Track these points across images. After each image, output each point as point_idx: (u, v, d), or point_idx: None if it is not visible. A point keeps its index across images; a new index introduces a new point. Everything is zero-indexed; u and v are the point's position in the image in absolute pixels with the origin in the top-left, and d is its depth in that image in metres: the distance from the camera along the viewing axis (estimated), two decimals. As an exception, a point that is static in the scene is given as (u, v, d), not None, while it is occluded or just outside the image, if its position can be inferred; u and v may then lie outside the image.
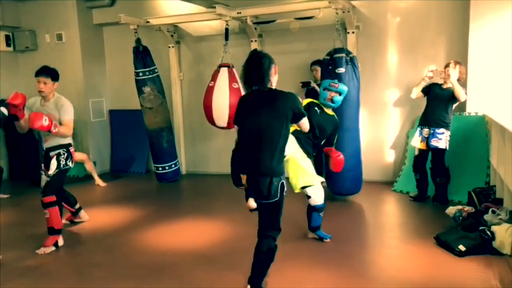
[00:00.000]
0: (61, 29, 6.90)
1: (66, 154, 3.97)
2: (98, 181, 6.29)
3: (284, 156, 2.79)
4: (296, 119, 2.75)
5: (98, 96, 7.14)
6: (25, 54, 7.15)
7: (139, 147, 7.07)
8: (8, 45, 7.01)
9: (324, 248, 3.72)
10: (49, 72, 3.90)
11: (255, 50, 2.83)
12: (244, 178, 2.79)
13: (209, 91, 5.32)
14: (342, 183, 4.93)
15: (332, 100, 3.87)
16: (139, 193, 5.93)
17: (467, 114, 5.09)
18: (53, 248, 3.90)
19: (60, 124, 3.81)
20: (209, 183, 6.36)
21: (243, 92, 5.23)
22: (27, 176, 6.61)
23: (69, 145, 4.04)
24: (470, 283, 2.99)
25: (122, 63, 6.90)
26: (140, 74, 5.99)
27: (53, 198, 3.88)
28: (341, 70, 4.65)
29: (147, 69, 6.00)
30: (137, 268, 3.46)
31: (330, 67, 4.71)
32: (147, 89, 6.01)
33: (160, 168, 6.24)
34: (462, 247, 3.37)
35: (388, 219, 4.73)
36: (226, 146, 6.73)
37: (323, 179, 3.81)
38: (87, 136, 6.99)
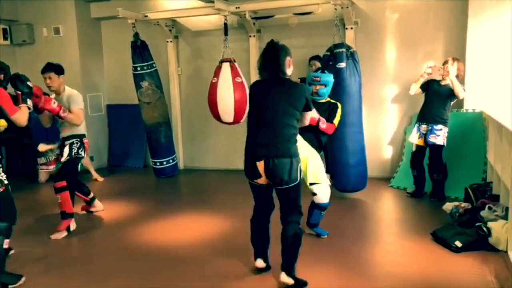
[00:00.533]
0: (59, 23, 6.86)
1: (78, 144, 4.20)
2: (96, 175, 6.29)
3: (295, 138, 2.83)
4: (306, 109, 2.88)
5: (95, 91, 7.12)
6: (22, 47, 7.10)
7: (136, 142, 7.06)
8: (5, 38, 6.95)
9: (321, 244, 3.74)
10: (52, 68, 4.09)
11: (272, 40, 2.91)
12: (261, 166, 2.76)
13: (213, 87, 5.31)
14: (347, 180, 4.90)
15: (317, 93, 3.83)
16: (137, 188, 5.93)
17: (464, 111, 5.10)
18: (66, 233, 4.07)
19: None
20: (206, 179, 6.36)
21: (246, 86, 5.29)
22: (23, 171, 6.59)
23: (83, 135, 4.26)
24: (466, 279, 3.01)
25: (120, 58, 6.87)
26: (138, 68, 5.97)
27: (63, 183, 4.09)
28: (342, 65, 4.65)
29: (145, 63, 5.98)
30: (134, 261, 3.47)
31: (330, 63, 4.71)
32: (145, 84, 6.00)
33: (157, 163, 6.24)
34: (458, 243, 3.39)
35: (385, 215, 4.75)
36: (224, 141, 6.76)
37: (330, 182, 3.81)
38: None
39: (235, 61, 5.27)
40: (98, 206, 4.81)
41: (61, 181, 4.10)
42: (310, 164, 3.51)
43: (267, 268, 3.12)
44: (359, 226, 4.26)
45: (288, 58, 2.86)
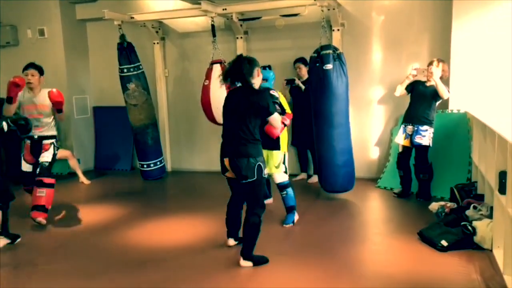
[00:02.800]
0: (43, 24, 6.78)
1: (57, 144, 4.56)
2: (82, 178, 6.22)
3: (260, 141, 3.22)
4: (266, 114, 3.20)
5: (81, 93, 7.04)
6: (6, 49, 6.99)
7: (123, 144, 7.01)
8: (-12, 40, 6.86)
9: (308, 243, 3.75)
10: (36, 66, 4.40)
11: (240, 55, 3.37)
12: (226, 162, 3.27)
13: (206, 89, 5.30)
14: (335, 180, 4.92)
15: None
16: (124, 190, 5.88)
17: (449, 112, 5.17)
18: (44, 222, 4.35)
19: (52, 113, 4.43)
20: (194, 180, 6.33)
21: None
22: (8, 174, 6.48)
23: (56, 136, 4.60)
24: (452, 277, 3.04)
25: (106, 60, 6.81)
26: (125, 70, 5.93)
27: (53, 180, 4.42)
28: (329, 66, 4.67)
29: (132, 65, 5.95)
30: (121, 263, 3.44)
31: (317, 64, 4.73)
32: (131, 86, 5.96)
33: (145, 166, 6.20)
34: (444, 242, 3.42)
35: (372, 215, 4.78)
36: (212, 143, 6.72)
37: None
38: (71, 133, 6.89)
39: (225, 62, 5.27)
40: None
41: (50, 177, 4.40)
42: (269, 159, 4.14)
43: (241, 242, 3.47)
44: (347, 226, 4.28)
45: (256, 68, 3.21)
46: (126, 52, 5.91)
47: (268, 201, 4.42)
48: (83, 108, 7.07)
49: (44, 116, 4.38)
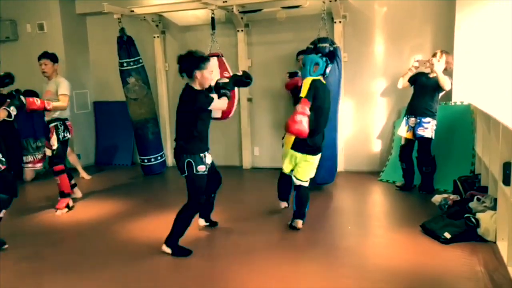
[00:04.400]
0: (43, 19, 6.73)
1: (62, 127, 4.69)
2: (83, 173, 6.19)
3: (195, 137, 3.30)
4: (198, 110, 3.28)
5: (81, 88, 7.00)
6: (6, 44, 6.94)
7: (124, 139, 6.98)
8: (-13, 35, 6.82)
9: (310, 237, 3.71)
10: (48, 55, 4.69)
11: (188, 51, 3.40)
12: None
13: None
14: (317, 172, 4.88)
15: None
16: (125, 185, 5.85)
17: (453, 104, 5.11)
18: (66, 210, 4.63)
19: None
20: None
21: None
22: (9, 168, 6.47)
23: (66, 119, 4.76)
24: (455, 269, 3.00)
25: (106, 54, 6.76)
26: (125, 64, 5.89)
27: (61, 167, 4.65)
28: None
29: (132, 59, 5.91)
30: (121, 257, 3.42)
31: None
32: (131, 80, 5.92)
33: (145, 160, 6.17)
34: (447, 235, 3.38)
35: (374, 208, 4.74)
36: (212, 137, 6.65)
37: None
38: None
39: (222, 56, 5.22)
40: (77, 193, 5.19)
41: (58, 164, 4.64)
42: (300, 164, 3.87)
43: (212, 225, 3.96)
44: (349, 220, 4.25)
45: (197, 71, 3.28)
46: (126, 46, 5.87)
47: (283, 204, 4.29)
48: (83, 103, 7.03)
49: (52, 100, 4.51)
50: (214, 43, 5.41)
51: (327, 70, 3.87)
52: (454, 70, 4.98)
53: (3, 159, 3.58)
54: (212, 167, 3.55)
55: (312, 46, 4.74)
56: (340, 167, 5.82)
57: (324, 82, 3.85)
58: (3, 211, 3.57)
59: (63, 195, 4.68)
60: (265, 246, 3.34)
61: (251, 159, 6.44)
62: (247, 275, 3.06)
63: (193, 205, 3.38)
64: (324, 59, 3.84)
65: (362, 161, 5.82)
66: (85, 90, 7.07)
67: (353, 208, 4.65)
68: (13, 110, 3.67)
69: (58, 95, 4.58)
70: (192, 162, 3.28)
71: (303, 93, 3.69)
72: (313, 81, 3.71)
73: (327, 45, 4.64)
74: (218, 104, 3.41)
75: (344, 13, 5.59)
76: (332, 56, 4.34)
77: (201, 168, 3.31)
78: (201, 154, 3.32)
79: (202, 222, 3.92)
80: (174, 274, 3.17)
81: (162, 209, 4.63)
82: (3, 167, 3.54)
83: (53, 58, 4.73)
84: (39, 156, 6.24)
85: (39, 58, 4.69)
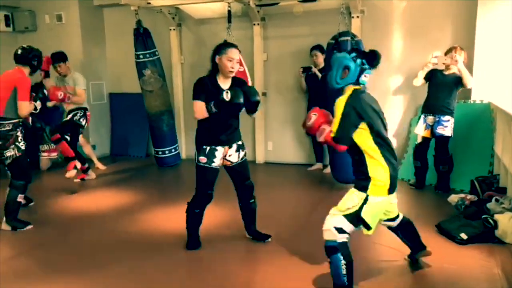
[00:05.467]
0: (61, 10, 6.78)
1: (81, 113, 5.25)
2: (98, 164, 6.25)
3: (203, 128, 3.27)
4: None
5: (98, 79, 7.06)
6: (25, 34, 7.03)
7: (139, 130, 7.02)
8: (7, 25, 6.89)
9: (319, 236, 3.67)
10: (60, 58, 5.16)
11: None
12: None
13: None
14: (347, 171, 4.83)
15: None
16: (139, 177, 5.90)
17: (472, 102, 5.01)
18: (75, 171, 5.08)
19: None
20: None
21: (248, 75, 5.22)
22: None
23: (86, 108, 5.33)
24: (472, 271, 2.95)
25: (122, 46, 6.80)
26: (141, 56, 5.90)
27: (57, 136, 5.02)
28: (346, 53, 4.55)
29: (148, 51, 5.91)
30: (134, 249, 3.44)
31: (335, 51, 4.61)
32: (147, 72, 5.93)
33: (160, 152, 6.19)
34: (464, 236, 3.32)
35: (389, 206, 4.68)
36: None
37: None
38: (87, 119, 6.92)
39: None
40: (92, 175, 5.65)
41: (54, 134, 5.06)
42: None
43: (257, 238, 3.54)
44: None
45: (217, 56, 3.18)
46: (142, 38, 5.87)
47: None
48: (99, 94, 7.09)
49: (71, 95, 5.12)
50: (229, 36, 5.38)
51: (364, 78, 2.66)
52: (474, 68, 4.87)
53: (22, 147, 3.80)
54: (240, 171, 3.39)
55: (333, 41, 4.67)
56: (355, 164, 5.77)
57: (365, 93, 2.68)
58: (20, 195, 3.84)
59: (68, 159, 5.07)
60: (268, 252, 3.32)
61: (264, 153, 6.42)
62: (263, 272, 3.05)
63: (196, 196, 3.34)
64: (358, 61, 2.64)
65: (377, 158, 5.74)
66: (101, 82, 7.12)
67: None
68: (38, 104, 3.97)
69: (76, 90, 5.14)
70: (196, 152, 3.28)
71: (334, 126, 2.56)
72: (348, 102, 2.54)
73: (348, 38, 4.58)
74: (194, 106, 3.15)
75: (362, 7, 5.50)
76: (373, 57, 2.71)
77: (202, 160, 3.23)
78: (205, 146, 3.22)
79: (246, 234, 3.61)
80: (186, 267, 3.17)
81: (176, 201, 4.63)
82: (18, 154, 3.77)
83: (65, 58, 5.20)
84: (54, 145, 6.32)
85: (53, 62, 5.10)
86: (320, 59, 5.51)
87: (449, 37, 5.27)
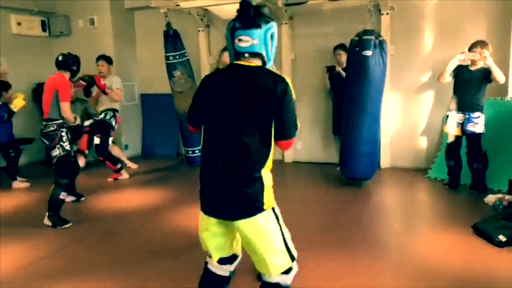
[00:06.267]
0: (94, 14, 6.97)
1: (112, 114, 5.45)
2: (129, 163, 6.38)
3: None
4: None
5: (129, 80, 7.21)
6: (60, 39, 7.27)
7: (169, 130, 7.14)
8: (44, 30, 7.15)
9: (354, 237, 3.65)
10: (105, 58, 5.54)
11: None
12: None
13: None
14: (356, 168, 4.83)
15: None
16: (169, 176, 6.01)
17: (508, 99, 4.85)
18: (84, 161, 5.35)
19: None
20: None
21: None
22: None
23: (117, 110, 5.52)
24: (510, 275, 2.86)
25: (152, 47, 6.92)
26: (171, 58, 6.00)
27: (86, 136, 5.28)
28: (368, 53, 4.50)
29: (177, 52, 6.01)
30: (165, 248, 3.50)
31: (357, 49, 4.57)
32: (177, 73, 6.03)
33: (190, 152, 6.28)
34: (502, 237, 3.23)
35: (421, 206, 4.60)
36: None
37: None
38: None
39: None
40: (125, 175, 5.79)
41: (103, 156, 5.48)
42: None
43: None
44: (394, 219, 4.14)
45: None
46: (172, 40, 5.97)
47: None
48: (131, 95, 7.24)
49: (110, 91, 5.29)
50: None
51: (238, 43, 1.93)
52: (511, 64, 4.71)
53: (66, 147, 4.00)
54: None
55: (357, 38, 4.62)
56: (385, 163, 5.69)
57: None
58: (63, 193, 4.02)
59: (80, 152, 5.32)
60: (304, 248, 3.31)
61: (293, 153, 6.41)
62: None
63: None
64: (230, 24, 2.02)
65: (408, 158, 5.65)
66: (132, 83, 7.28)
67: (398, 206, 4.53)
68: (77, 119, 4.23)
69: (113, 89, 5.31)
70: None
71: None
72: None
73: (372, 37, 4.51)
74: None
75: (392, 4, 5.41)
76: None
77: None
78: None
79: None
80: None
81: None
82: (63, 153, 3.98)
83: (109, 61, 5.53)
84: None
85: (97, 59, 5.40)
86: (344, 58, 5.46)
87: (483, 33, 5.10)
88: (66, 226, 4.03)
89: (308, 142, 6.31)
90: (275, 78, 1.86)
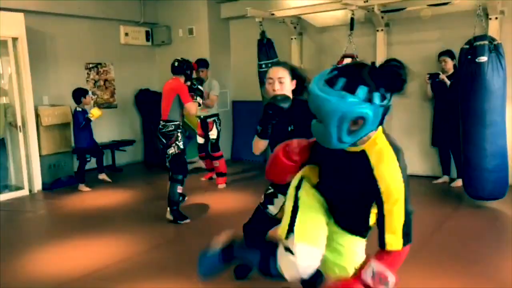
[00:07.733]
0: (192, 24, 7.39)
1: (219, 121, 5.85)
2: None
3: None
4: None
5: (223, 88, 7.43)
6: (161, 47, 7.81)
7: (258, 136, 7.27)
8: (147, 40, 7.74)
9: (450, 257, 3.40)
10: (205, 64, 5.80)
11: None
12: None
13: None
14: (483, 186, 4.40)
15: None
16: (257, 180, 6.12)
17: None
18: (225, 185, 5.78)
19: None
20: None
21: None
22: (159, 161, 7.22)
23: (218, 114, 5.90)
24: None
25: (246, 55, 7.13)
26: (263, 66, 6.12)
27: (220, 153, 5.77)
28: (483, 59, 4.18)
29: (270, 60, 6.10)
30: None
31: (469, 57, 4.27)
32: (269, 81, 6.13)
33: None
34: None
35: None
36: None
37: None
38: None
39: (357, 57, 5.10)
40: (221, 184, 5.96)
41: (217, 152, 5.79)
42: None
43: None
44: (504, 242, 3.76)
45: None
46: (265, 48, 6.09)
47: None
48: (223, 102, 7.51)
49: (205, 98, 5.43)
50: (350, 44, 5.31)
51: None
52: None
53: (181, 146, 4.30)
54: None
55: (467, 46, 4.33)
56: None
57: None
58: (179, 187, 4.32)
59: (222, 174, 5.79)
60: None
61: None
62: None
63: None
64: (376, 96, 1.56)
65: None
66: (225, 90, 7.55)
67: (507, 228, 4.11)
68: (199, 100, 4.55)
69: (210, 95, 5.60)
70: None
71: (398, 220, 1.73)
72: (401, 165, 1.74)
73: (485, 42, 4.19)
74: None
75: (502, 8, 4.98)
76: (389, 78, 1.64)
77: None
78: None
79: None
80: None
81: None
82: (177, 151, 4.28)
83: (208, 65, 5.82)
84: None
85: (198, 66, 5.55)
86: (449, 65, 5.16)
87: None
88: (186, 221, 4.33)
89: (403, 153, 6.02)
90: None
